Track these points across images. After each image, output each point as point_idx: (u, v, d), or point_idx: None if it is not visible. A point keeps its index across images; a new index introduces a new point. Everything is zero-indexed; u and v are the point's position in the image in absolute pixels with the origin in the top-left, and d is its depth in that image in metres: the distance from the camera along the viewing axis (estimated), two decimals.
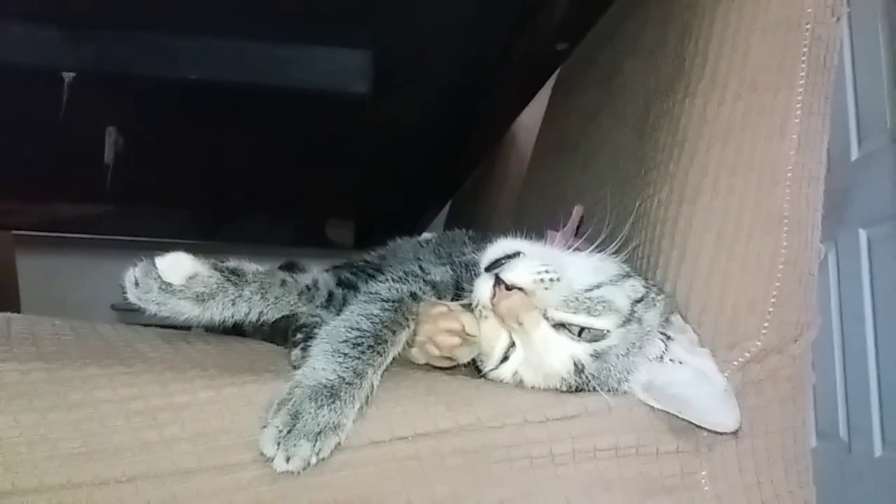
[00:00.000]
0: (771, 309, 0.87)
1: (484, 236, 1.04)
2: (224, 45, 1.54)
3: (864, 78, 2.07)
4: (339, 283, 0.97)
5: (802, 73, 0.92)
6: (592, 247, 0.89)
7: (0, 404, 0.68)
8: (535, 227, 0.96)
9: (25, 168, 1.98)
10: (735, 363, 0.85)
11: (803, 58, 0.92)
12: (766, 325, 0.86)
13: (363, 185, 2.17)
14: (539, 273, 0.81)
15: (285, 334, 0.88)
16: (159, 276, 0.78)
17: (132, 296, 0.79)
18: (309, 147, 1.93)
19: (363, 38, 1.49)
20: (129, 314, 0.90)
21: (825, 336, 2.12)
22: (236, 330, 0.94)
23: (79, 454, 0.68)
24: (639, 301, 0.85)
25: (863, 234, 2.04)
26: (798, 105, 0.91)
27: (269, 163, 2.03)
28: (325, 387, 0.72)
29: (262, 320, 0.86)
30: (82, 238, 2.75)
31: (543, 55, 1.51)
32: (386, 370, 0.79)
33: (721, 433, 0.81)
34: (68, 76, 1.56)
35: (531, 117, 1.79)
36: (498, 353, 0.84)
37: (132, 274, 0.79)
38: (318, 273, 0.95)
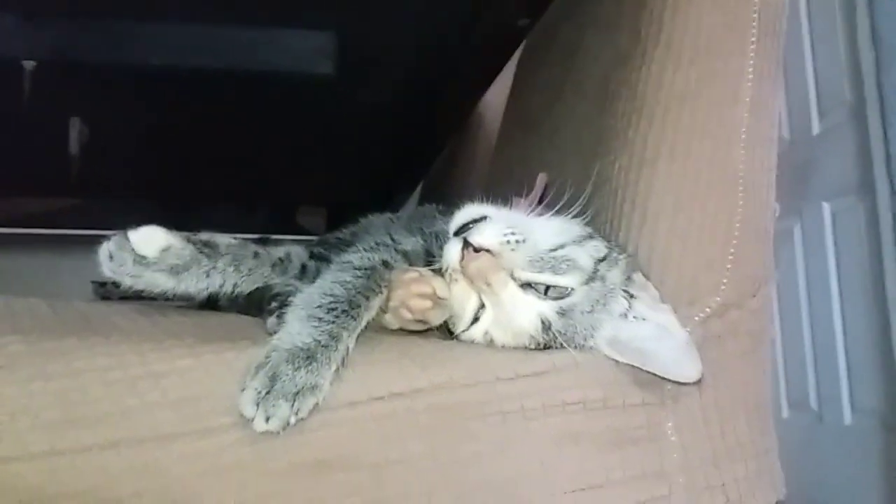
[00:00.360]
0: (729, 266, 0.90)
1: (455, 209, 1.06)
2: (187, 30, 1.54)
3: (822, 52, 2.11)
4: (312, 256, 0.99)
5: (753, 39, 0.95)
6: (554, 210, 0.92)
7: None
8: (504, 200, 0.98)
9: None
10: (696, 318, 0.89)
11: (753, 24, 0.95)
12: (724, 281, 0.90)
13: (332, 169, 2.18)
14: (505, 235, 0.84)
15: (260, 305, 0.90)
16: (133, 250, 0.79)
17: (107, 269, 0.80)
18: (276, 132, 1.94)
19: (326, 20, 1.50)
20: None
21: (793, 308, 2.17)
22: (211, 305, 0.96)
23: (61, 422, 0.70)
24: (602, 260, 0.88)
25: (826, 207, 2.08)
26: (750, 69, 0.95)
27: (236, 149, 2.03)
28: (302, 349, 0.74)
29: (236, 292, 0.88)
30: (50, 234, 2.72)
31: (505, 32, 1.53)
32: (360, 336, 0.80)
33: (684, 384, 0.84)
34: (29, 65, 1.55)
35: (497, 96, 1.81)
36: (469, 315, 0.87)
37: (106, 248, 0.80)
38: (290, 247, 0.97)
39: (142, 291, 0.82)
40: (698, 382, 0.85)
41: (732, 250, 0.91)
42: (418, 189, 2.50)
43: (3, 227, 2.65)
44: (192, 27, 1.52)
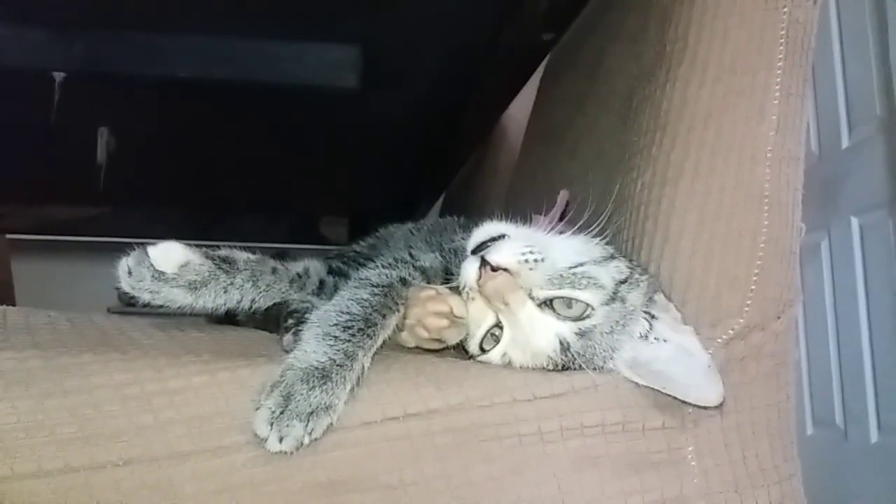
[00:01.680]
0: (753, 287, 0.88)
1: (474, 223, 1.05)
2: (213, 43, 1.55)
3: (852, 66, 2.08)
4: (330, 272, 0.98)
5: (780, 56, 0.93)
6: (575, 228, 0.91)
7: None
8: (524, 216, 0.98)
9: (18, 171, 1.98)
10: (719, 340, 0.87)
11: (781, 40, 0.93)
12: (748, 302, 0.88)
13: (355, 180, 2.18)
14: (523, 254, 0.83)
15: (277, 321, 0.90)
16: (152, 265, 0.80)
17: (125, 284, 0.80)
18: (300, 143, 1.95)
19: (351, 33, 1.50)
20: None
21: (820, 324, 2.14)
22: (229, 319, 0.96)
23: (76, 439, 0.70)
24: (623, 282, 0.86)
25: (855, 222, 2.06)
26: (777, 87, 0.93)
27: (261, 160, 2.04)
28: (317, 369, 0.74)
29: (254, 308, 0.88)
30: (77, 241, 2.76)
31: (530, 46, 1.52)
32: (376, 354, 0.80)
33: (705, 408, 0.83)
34: (59, 76, 1.57)
35: (521, 109, 1.81)
36: (482, 334, 0.86)
37: (125, 263, 0.80)
38: (308, 262, 0.97)
39: (160, 307, 0.82)
40: (720, 406, 0.83)
41: (757, 271, 0.89)
42: (440, 199, 2.50)
43: (31, 234, 2.70)
44: (218, 40, 1.54)
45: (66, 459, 0.69)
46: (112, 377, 0.73)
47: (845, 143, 2.11)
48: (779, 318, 0.90)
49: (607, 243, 0.93)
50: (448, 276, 0.93)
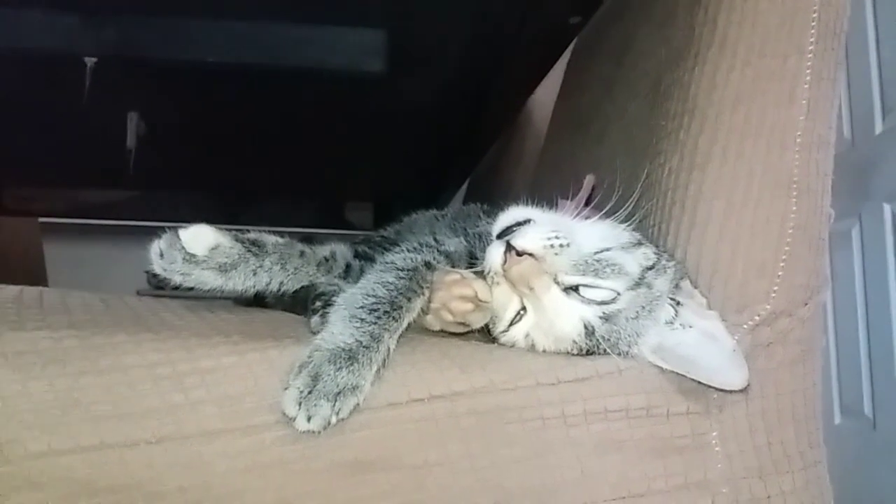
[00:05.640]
0: (780, 273, 0.88)
1: (499, 209, 1.05)
2: (241, 28, 1.56)
3: (887, 49, 2.04)
4: (357, 256, 0.99)
5: (812, 39, 0.92)
6: (601, 213, 0.91)
7: (35, 370, 0.72)
8: (550, 201, 0.98)
9: (50, 155, 2.02)
10: (745, 326, 0.86)
11: (813, 23, 0.92)
12: (775, 288, 0.88)
13: (381, 164, 2.19)
14: (549, 239, 0.83)
15: (305, 304, 0.91)
16: (183, 248, 0.81)
17: (157, 266, 0.81)
18: (325, 128, 1.95)
19: (378, 17, 1.50)
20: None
21: (849, 311, 2.11)
22: (258, 301, 0.97)
23: (110, 416, 0.72)
24: (650, 268, 0.86)
25: (887, 209, 2.02)
26: (808, 71, 0.92)
27: (288, 145, 2.06)
28: (344, 350, 0.75)
29: (282, 290, 0.89)
30: (107, 224, 2.80)
31: (557, 29, 1.51)
32: (402, 336, 0.81)
33: (730, 392, 0.83)
34: (90, 61, 1.59)
35: (547, 94, 1.80)
36: (509, 318, 0.86)
37: (157, 245, 0.82)
38: (335, 245, 0.98)
39: (191, 289, 0.83)
40: (745, 391, 0.83)
41: (784, 257, 0.88)
42: (465, 185, 2.50)
43: (64, 217, 2.75)
44: (246, 25, 1.54)
45: (101, 436, 0.71)
46: (145, 357, 0.74)
47: (879, 128, 2.07)
48: (806, 304, 0.89)
49: (634, 229, 0.92)
50: (473, 260, 0.93)
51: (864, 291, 2.10)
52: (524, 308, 0.86)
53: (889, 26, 2.01)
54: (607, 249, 0.85)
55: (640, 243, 0.90)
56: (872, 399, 2.04)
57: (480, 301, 0.85)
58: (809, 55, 0.92)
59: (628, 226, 0.92)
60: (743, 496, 0.84)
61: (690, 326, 0.85)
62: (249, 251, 0.85)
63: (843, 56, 0.95)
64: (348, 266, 0.96)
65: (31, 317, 0.78)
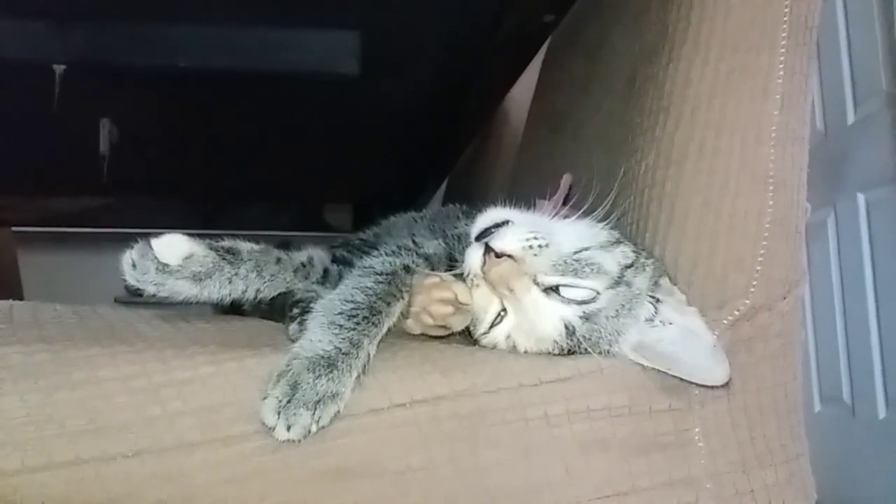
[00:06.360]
0: (759, 267, 0.88)
1: (478, 210, 1.05)
2: (213, 32, 1.55)
3: (858, 41, 2.06)
4: (335, 260, 0.98)
5: (784, 34, 0.92)
6: (580, 213, 0.90)
7: (6, 385, 0.70)
8: (528, 201, 0.97)
9: (22, 163, 1.99)
10: (725, 321, 0.87)
11: (785, 18, 0.93)
12: (754, 283, 0.88)
13: (358, 166, 2.18)
14: (527, 240, 0.83)
15: (283, 311, 0.90)
16: (156, 258, 0.79)
17: (130, 277, 0.80)
18: (302, 131, 1.94)
19: (351, 19, 1.49)
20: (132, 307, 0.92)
21: (826, 301, 2.13)
22: (235, 309, 0.96)
23: (85, 431, 0.70)
24: (629, 266, 0.86)
25: (861, 198, 2.04)
26: (781, 65, 0.92)
27: (263, 148, 2.04)
28: (323, 357, 0.74)
29: (259, 298, 0.88)
30: (82, 232, 2.77)
31: (531, 28, 1.51)
32: (382, 342, 0.80)
33: (712, 388, 0.83)
34: (59, 68, 1.57)
35: (523, 93, 1.80)
36: (489, 320, 0.86)
37: (129, 256, 0.80)
38: (312, 250, 0.97)
39: (165, 298, 0.82)
40: (726, 386, 0.83)
41: (762, 251, 0.89)
42: (444, 185, 2.49)
43: (36, 226, 2.71)
44: (217, 29, 1.53)
45: (76, 452, 0.70)
46: (119, 370, 0.73)
47: (851, 118, 2.09)
48: (785, 298, 0.89)
49: (612, 227, 0.92)
50: (452, 262, 0.93)
51: (840, 280, 2.12)
52: (504, 310, 0.85)
53: (860, 16, 2.03)
54: (586, 249, 0.85)
55: (618, 242, 0.89)
56: (851, 386, 2.07)
57: (461, 304, 0.85)
58: (782, 50, 0.92)
59: (606, 224, 0.92)
60: (727, 491, 0.85)
61: (670, 323, 0.85)
62: (224, 259, 0.84)
63: (816, 49, 0.95)
64: (326, 271, 0.95)
65: (0, 332, 0.77)
